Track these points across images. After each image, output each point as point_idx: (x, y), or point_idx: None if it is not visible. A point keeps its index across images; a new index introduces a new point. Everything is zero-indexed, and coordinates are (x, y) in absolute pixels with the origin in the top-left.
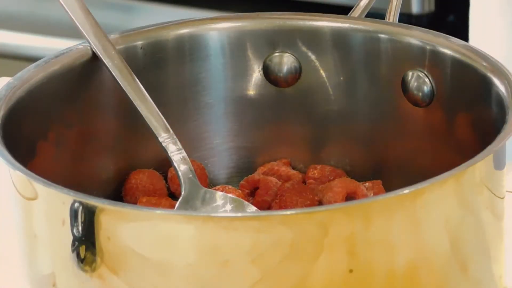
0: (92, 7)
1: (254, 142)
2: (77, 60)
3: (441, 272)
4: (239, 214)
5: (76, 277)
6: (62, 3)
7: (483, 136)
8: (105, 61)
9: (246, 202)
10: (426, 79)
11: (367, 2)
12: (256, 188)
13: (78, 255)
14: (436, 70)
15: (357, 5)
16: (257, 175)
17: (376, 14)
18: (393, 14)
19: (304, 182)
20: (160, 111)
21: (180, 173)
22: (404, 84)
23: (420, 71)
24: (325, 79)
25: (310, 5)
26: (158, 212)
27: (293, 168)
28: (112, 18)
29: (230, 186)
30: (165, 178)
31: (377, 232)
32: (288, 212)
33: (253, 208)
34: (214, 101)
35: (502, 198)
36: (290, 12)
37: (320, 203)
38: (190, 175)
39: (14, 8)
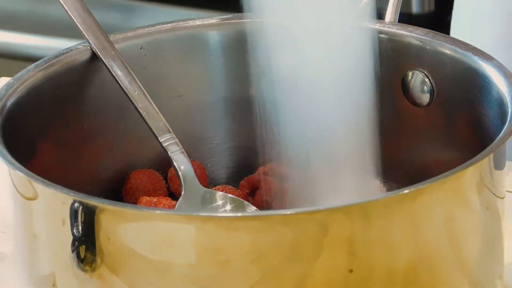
0: (92, 7)
1: (254, 142)
2: (77, 60)
3: (441, 272)
4: (239, 214)
5: (76, 277)
6: (62, 3)
7: (483, 136)
8: (105, 61)
9: (246, 202)
10: (426, 79)
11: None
12: (256, 188)
13: (78, 255)
14: (436, 70)
15: None
16: (257, 175)
17: (376, 14)
18: (393, 14)
19: None
20: (160, 111)
21: (180, 173)
22: (404, 84)
23: (420, 71)
24: None
25: None
26: (158, 212)
27: None
28: (112, 18)
29: (230, 186)
30: (165, 178)
31: (377, 232)
32: (288, 212)
33: (253, 208)
34: (214, 101)
35: (502, 198)
36: None
37: None
38: (190, 175)
39: (14, 8)
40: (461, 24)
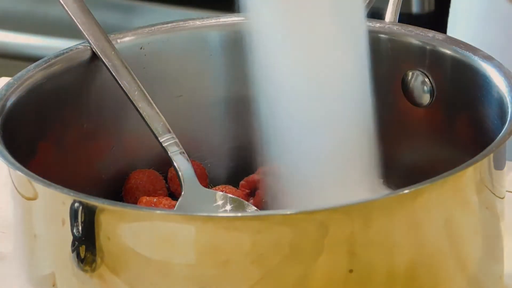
0: (92, 7)
1: (254, 142)
2: (77, 60)
3: (441, 272)
4: (239, 214)
5: (76, 277)
6: (62, 3)
7: (483, 136)
8: (105, 61)
9: (246, 202)
10: (426, 79)
11: (367, 2)
12: (256, 188)
13: (78, 255)
14: (436, 70)
15: None
16: (257, 175)
17: (376, 14)
18: (393, 14)
19: None
20: (160, 111)
21: (180, 173)
22: (404, 84)
23: (420, 71)
24: None
25: None
26: (158, 212)
27: None
28: (112, 18)
29: (230, 186)
30: (165, 178)
31: (377, 232)
32: (288, 212)
33: (253, 208)
34: (214, 101)
35: (502, 198)
36: None
37: None
38: (190, 175)
39: (14, 8)
40: (457, 24)
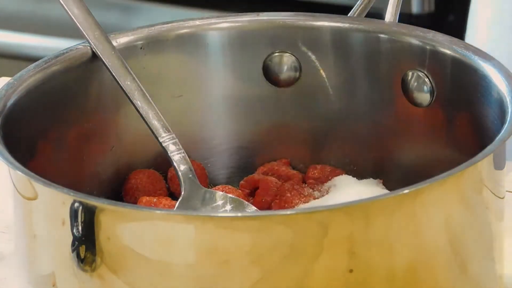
0: (92, 7)
1: (254, 142)
2: (77, 60)
3: (441, 272)
4: (239, 214)
5: (76, 277)
6: (62, 3)
7: (483, 136)
8: (105, 61)
9: (246, 202)
10: (426, 79)
11: (367, 2)
12: (256, 188)
13: (78, 255)
14: (436, 70)
15: (357, 5)
16: (257, 175)
17: (376, 14)
18: (393, 14)
19: (304, 182)
20: (160, 111)
21: (180, 173)
22: (404, 84)
23: (420, 71)
24: (325, 79)
25: (310, 5)
26: (158, 212)
27: (293, 168)
28: (112, 18)
29: (230, 186)
30: (165, 178)
31: (377, 232)
32: (288, 212)
33: (253, 208)
34: (214, 101)
35: (502, 198)
36: (290, 12)
37: None
38: (190, 175)
39: (14, 8)
40: (477, 34)
